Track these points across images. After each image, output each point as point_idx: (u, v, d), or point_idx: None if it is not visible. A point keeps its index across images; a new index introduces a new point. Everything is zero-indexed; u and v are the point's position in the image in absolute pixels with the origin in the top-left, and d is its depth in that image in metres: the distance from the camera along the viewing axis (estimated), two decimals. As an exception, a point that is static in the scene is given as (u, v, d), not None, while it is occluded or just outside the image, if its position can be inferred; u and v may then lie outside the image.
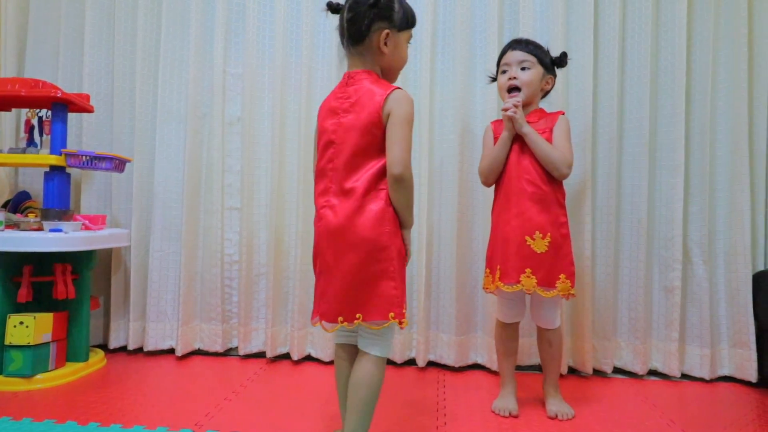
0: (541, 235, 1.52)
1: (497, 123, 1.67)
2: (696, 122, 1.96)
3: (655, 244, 1.98)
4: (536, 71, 1.58)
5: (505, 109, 1.54)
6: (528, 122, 1.57)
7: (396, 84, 1.21)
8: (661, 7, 1.97)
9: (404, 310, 1.17)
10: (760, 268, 1.94)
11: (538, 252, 1.51)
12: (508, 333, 1.64)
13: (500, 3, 1.99)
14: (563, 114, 1.61)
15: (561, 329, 1.64)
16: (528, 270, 1.51)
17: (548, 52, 1.63)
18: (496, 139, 1.62)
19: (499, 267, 1.55)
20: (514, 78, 1.57)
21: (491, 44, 1.96)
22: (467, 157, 1.99)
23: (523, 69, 1.57)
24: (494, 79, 1.71)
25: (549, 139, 1.57)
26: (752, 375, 1.86)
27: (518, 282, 1.51)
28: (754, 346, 1.86)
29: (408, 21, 1.23)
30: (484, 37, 1.99)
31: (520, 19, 1.96)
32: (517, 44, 1.61)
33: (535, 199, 1.53)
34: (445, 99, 2.03)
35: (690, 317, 1.96)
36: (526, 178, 1.54)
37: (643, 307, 1.93)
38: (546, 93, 1.67)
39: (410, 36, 1.26)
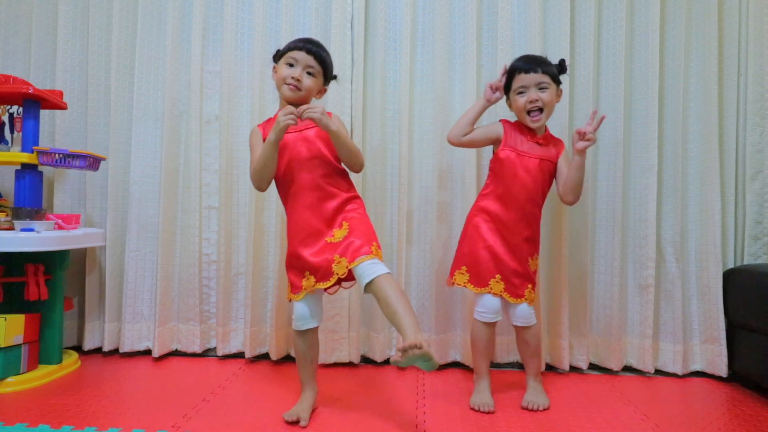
0: (537, 254, 1.70)
1: (508, 124, 1.69)
2: (669, 124, 2.01)
3: (630, 242, 2.02)
4: (552, 90, 1.63)
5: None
6: (542, 143, 1.66)
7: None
8: (635, 11, 2.01)
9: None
10: (730, 265, 1.99)
11: (533, 270, 1.68)
12: (487, 332, 1.66)
13: (479, 6, 2.00)
14: (563, 142, 1.72)
15: (538, 325, 1.70)
16: (530, 286, 1.65)
17: (553, 64, 1.67)
18: (507, 136, 1.66)
19: (500, 277, 1.62)
20: (537, 100, 1.60)
21: (470, 45, 1.98)
22: (446, 157, 2.01)
23: (541, 89, 1.61)
24: (508, 75, 1.68)
25: (554, 170, 1.67)
26: (723, 370, 1.91)
27: (523, 297, 1.64)
28: (724, 342, 1.92)
29: (283, 51, 1.58)
30: (463, 38, 2.01)
31: (498, 20, 1.98)
32: (531, 65, 1.62)
33: (538, 222, 1.68)
34: (424, 99, 2.04)
35: (663, 314, 2.00)
36: (536, 201, 1.65)
37: (618, 304, 1.97)
38: None
39: (289, 58, 1.54)
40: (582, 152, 1.57)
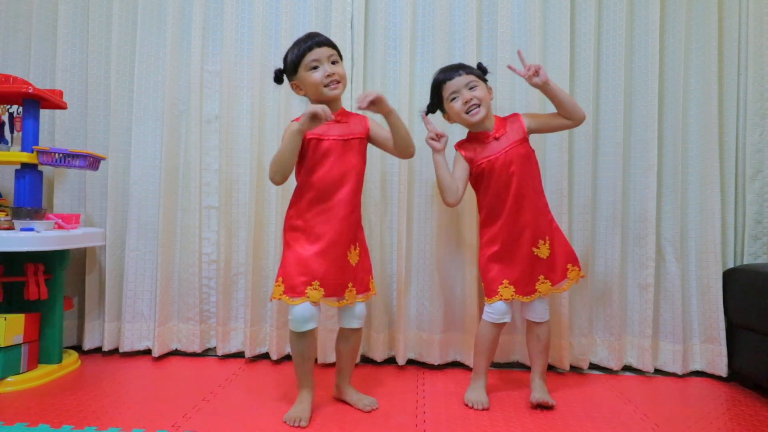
0: (542, 241, 1.64)
1: (461, 146, 1.70)
2: (668, 123, 2.01)
3: (630, 242, 2.02)
4: (482, 86, 1.65)
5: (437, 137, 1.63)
6: (499, 137, 1.64)
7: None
8: (635, 11, 2.01)
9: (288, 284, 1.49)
10: (730, 265, 1.99)
11: (544, 258, 1.63)
12: (493, 333, 1.66)
13: (479, 6, 2.00)
14: (518, 114, 1.71)
15: (549, 322, 1.70)
16: (541, 277, 1.63)
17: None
18: (469, 157, 1.66)
19: (507, 282, 1.62)
20: (471, 99, 1.61)
21: (470, 45, 1.98)
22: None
23: (471, 89, 1.62)
24: (429, 111, 1.73)
25: (528, 149, 1.66)
26: (723, 370, 1.91)
27: (536, 291, 1.63)
28: (724, 342, 1.91)
29: (294, 63, 1.51)
30: (463, 38, 2.01)
31: (498, 20, 1.98)
32: (454, 71, 1.65)
33: (534, 208, 1.63)
34: (424, 100, 2.02)
35: (663, 314, 2.00)
36: (524, 190, 1.61)
37: (618, 304, 1.97)
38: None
39: (310, 62, 1.49)
40: (548, 80, 1.58)
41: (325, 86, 1.49)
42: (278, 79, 1.59)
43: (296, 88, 1.56)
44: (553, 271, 1.65)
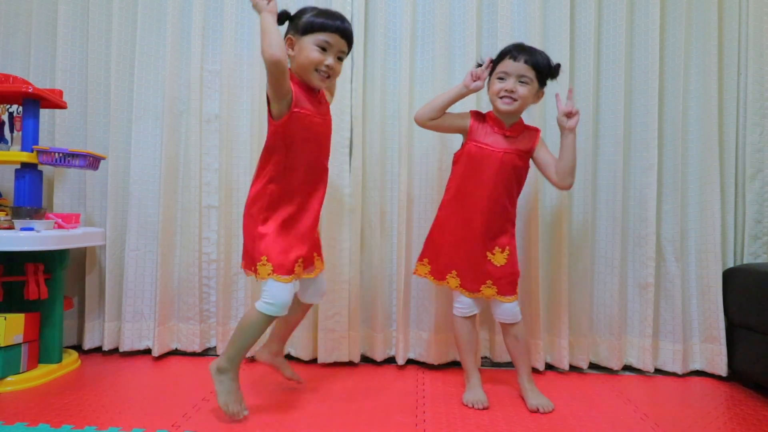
0: (500, 249, 1.64)
1: (476, 116, 1.69)
2: (668, 123, 2.01)
3: (630, 242, 2.02)
4: (532, 87, 1.60)
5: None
6: (509, 135, 1.63)
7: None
8: (635, 11, 2.01)
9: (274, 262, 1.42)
10: (730, 264, 1.99)
11: (497, 265, 1.63)
12: (467, 327, 1.69)
13: (479, 4, 2.00)
14: (539, 131, 1.69)
15: (522, 322, 1.69)
16: (489, 281, 1.63)
17: (548, 62, 1.62)
18: (472, 129, 1.66)
19: (456, 273, 1.65)
20: (512, 92, 1.58)
21: (470, 44, 1.98)
22: (446, 157, 2.00)
23: (522, 83, 1.59)
24: (480, 65, 1.69)
25: (524, 163, 1.66)
26: (722, 369, 1.91)
27: (480, 291, 1.65)
28: (724, 341, 1.92)
29: (308, 26, 1.42)
30: (463, 38, 2.01)
31: (498, 19, 1.98)
32: (521, 54, 1.58)
33: (501, 216, 1.63)
34: (424, 99, 2.03)
35: (663, 313, 2.00)
36: (496, 196, 1.61)
37: (618, 303, 1.97)
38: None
39: (323, 40, 1.42)
40: (574, 130, 1.59)
41: (316, 70, 1.43)
42: (281, 20, 1.44)
43: (289, 44, 1.45)
44: (504, 281, 1.63)
